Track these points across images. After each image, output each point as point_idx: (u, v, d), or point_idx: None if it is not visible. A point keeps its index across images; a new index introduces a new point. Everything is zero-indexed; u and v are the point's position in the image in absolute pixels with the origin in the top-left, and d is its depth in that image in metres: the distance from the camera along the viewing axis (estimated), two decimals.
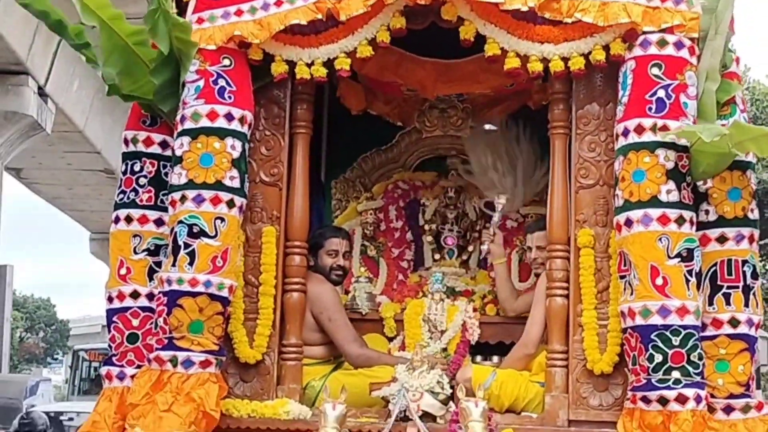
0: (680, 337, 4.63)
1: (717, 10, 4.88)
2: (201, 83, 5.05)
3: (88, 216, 26.08)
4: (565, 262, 5.14)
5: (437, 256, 6.54)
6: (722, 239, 4.88)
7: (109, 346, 5.28)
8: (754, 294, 4.89)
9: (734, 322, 4.82)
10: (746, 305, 4.85)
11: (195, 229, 4.92)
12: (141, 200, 5.27)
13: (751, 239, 4.92)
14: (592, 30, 4.95)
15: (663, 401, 4.60)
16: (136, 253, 5.24)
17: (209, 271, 4.91)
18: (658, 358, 4.62)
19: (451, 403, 4.99)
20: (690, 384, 4.61)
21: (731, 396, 4.77)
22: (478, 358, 5.90)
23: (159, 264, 5.22)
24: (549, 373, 5.10)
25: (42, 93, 15.77)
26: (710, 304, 4.85)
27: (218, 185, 4.98)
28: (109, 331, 5.27)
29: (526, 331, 5.45)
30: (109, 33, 5.02)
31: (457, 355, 5.61)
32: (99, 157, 19.21)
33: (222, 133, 5.01)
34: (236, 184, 5.02)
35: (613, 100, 5.12)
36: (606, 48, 4.97)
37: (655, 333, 4.64)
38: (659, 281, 4.66)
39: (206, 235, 4.92)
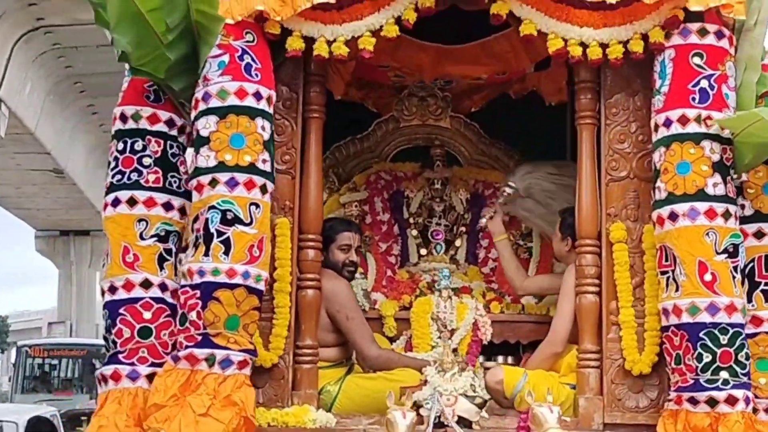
0: (728, 335, 4.49)
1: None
2: (226, 59, 4.65)
3: (35, 214, 25.86)
4: (596, 258, 4.95)
5: (423, 251, 6.25)
6: (759, 234, 4.77)
7: (112, 341, 4.74)
8: None
9: None
10: None
11: (229, 216, 4.52)
12: (147, 181, 4.80)
13: None
14: (632, 17, 4.78)
15: (712, 402, 4.45)
16: (143, 238, 4.76)
17: (247, 261, 4.52)
18: (707, 357, 4.47)
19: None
20: (738, 384, 4.48)
21: None
22: (481, 358, 5.63)
23: (169, 252, 4.79)
24: (581, 374, 4.89)
25: None
26: (749, 301, 4.71)
27: (252, 168, 4.58)
28: (114, 325, 4.72)
29: (552, 329, 5.20)
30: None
31: (470, 355, 5.37)
32: (48, 158, 18.90)
33: (252, 113, 4.62)
34: (268, 168, 4.65)
35: (642, 90, 4.98)
36: (644, 37, 4.79)
37: (703, 331, 4.48)
38: (708, 277, 4.50)
39: (241, 222, 4.53)
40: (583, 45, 4.81)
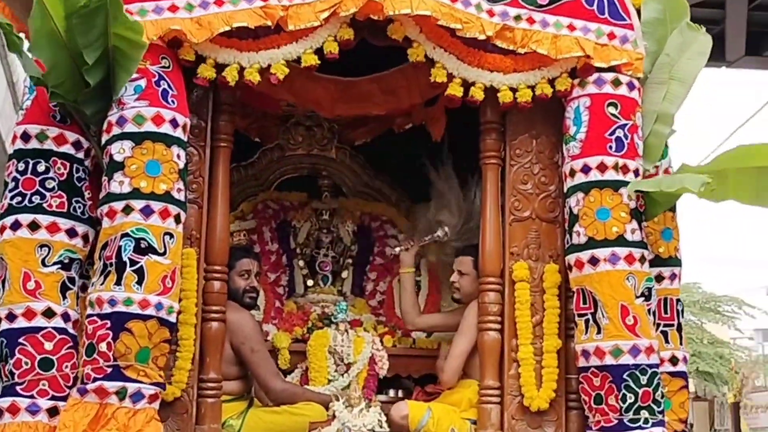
0: (647, 376, 4.64)
1: (668, 55, 4.94)
2: (143, 83, 4.51)
3: None
4: (498, 296, 5.03)
5: (310, 282, 6.19)
6: (659, 278, 4.99)
7: (9, 372, 4.47)
8: (682, 332, 5.02)
9: (674, 360, 4.96)
10: (681, 343, 4.98)
11: (143, 245, 4.38)
12: (50, 206, 4.57)
13: (679, 278, 5.06)
14: (540, 63, 4.93)
15: None
16: (45, 265, 4.53)
17: (160, 292, 4.38)
18: (630, 398, 4.61)
19: None
20: (656, 422, 4.65)
21: None
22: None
23: (72, 280, 4.58)
24: (483, 410, 4.96)
25: None
26: None
27: (167, 197, 4.46)
28: (12, 355, 4.46)
29: (448, 364, 5.24)
30: (42, 13, 4.33)
31: (367, 390, 5.34)
32: None
33: (168, 140, 4.51)
34: (182, 197, 4.54)
35: (545, 134, 5.14)
36: (551, 83, 4.93)
37: (626, 373, 4.62)
38: (629, 321, 4.65)
39: (155, 252, 4.39)
40: (493, 89, 4.91)
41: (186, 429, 4.66)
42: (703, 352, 22.87)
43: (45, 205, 4.58)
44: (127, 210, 4.41)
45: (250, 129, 6.39)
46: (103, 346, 4.33)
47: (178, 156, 4.53)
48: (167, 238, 4.43)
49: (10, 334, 4.48)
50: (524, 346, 4.93)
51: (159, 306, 4.38)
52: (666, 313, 4.98)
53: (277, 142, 6.44)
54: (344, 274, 6.29)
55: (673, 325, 4.97)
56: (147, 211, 4.42)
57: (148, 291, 4.36)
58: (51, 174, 4.61)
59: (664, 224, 5.04)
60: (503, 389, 4.95)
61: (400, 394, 5.71)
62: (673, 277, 5.02)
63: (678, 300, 5.02)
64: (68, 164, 4.64)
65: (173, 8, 4.61)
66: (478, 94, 4.91)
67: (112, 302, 4.34)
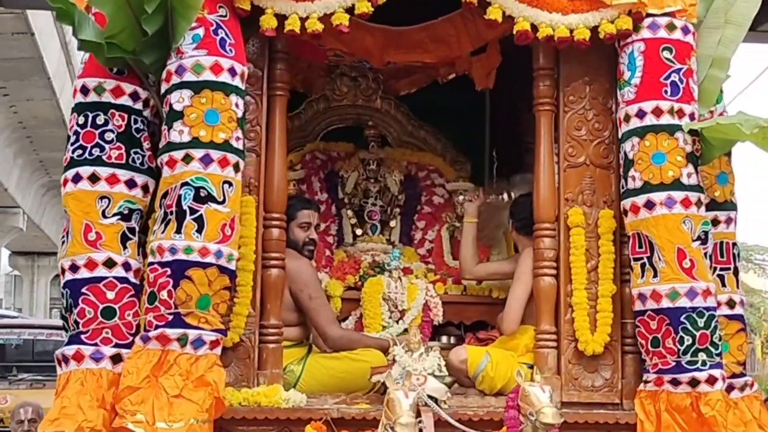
0: (704, 318, 4.67)
1: (725, 0, 4.93)
2: (201, 32, 4.54)
3: None
4: (553, 241, 5.05)
5: (359, 231, 6.23)
6: (715, 222, 4.99)
7: (74, 321, 4.55)
8: (738, 276, 5.04)
9: (731, 303, 4.98)
10: (737, 286, 5.00)
11: (202, 193, 4.42)
12: (109, 157, 4.62)
13: (735, 222, 5.07)
14: (599, 4, 4.89)
15: (694, 383, 4.64)
16: (105, 216, 4.58)
17: (219, 240, 4.43)
18: (688, 340, 4.65)
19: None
20: (714, 365, 4.68)
21: (733, 375, 4.92)
22: None
23: (132, 230, 4.64)
24: (539, 354, 5.00)
25: None
26: None
27: (226, 146, 4.50)
28: (75, 305, 4.54)
29: (507, 312, 5.27)
30: None
31: (422, 337, 5.35)
32: None
33: (227, 89, 4.53)
34: (241, 145, 4.58)
35: (599, 80, 5.13)
36: (612, 23, 4.91)
37: (684, 315, 4.66)
38: (686, 264, 4.67)
39: (215, 201, 4.43)
40: (551, 29, 4.90)
41: (248, 374, 4.72)
42: None
43: (104, 157, 4.62)
44: (187, 159, 4.45)
45: (295, 80, 6.37)
46: (164, 294, 4.40)
47: (237, 105, 4.55)
48: (226, 186, 4.47)
49: (74, 285, 4.55)
50: (578, 290, 4.96)
51: (219, 254, 4.42)
52: (722, 256, 4.99)
53: (323, 93, 6.48)
54: (392, 223, 6.33)
55: (729, 269, 4.98)
56: (206, 160, 4.46)
57: (207, 239, 4.41)
58: (110, 126, 4.65)
59: (720, 168, 5.04)
60: (559, 334, 4.98)
61: (452, 340, 5.76)
62: (729, 221, 5.03)
63: (734, 244, 5.03)
64: (126, 115, 4.67)
65: None
66: (546, 31, 4.87)
67: (173, 250, 4.40)
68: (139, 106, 4.70)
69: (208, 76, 4.51)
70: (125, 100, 4.68)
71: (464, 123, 6.79)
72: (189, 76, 4.51)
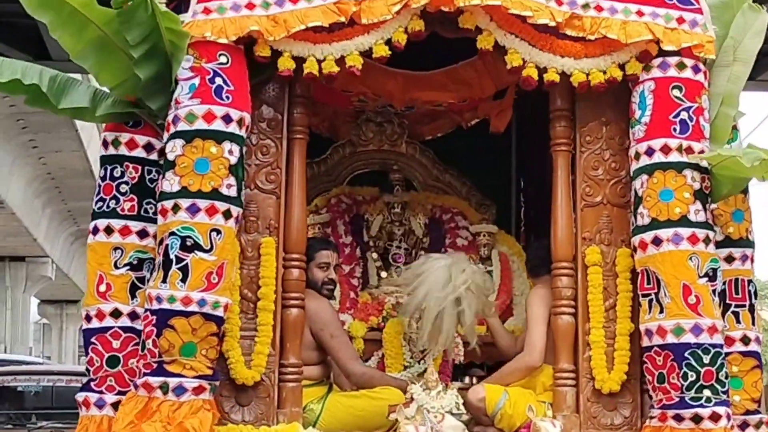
0: (710, 355, 4.68)
1: (733, 38, 4.99)
2: (197, 81, 4.64)
3: None
4: (571, 280, 5.10)
5: (383, 274, 6.31)
6: (730, 259, 5.01)
7: (87, 370, 4.79)
8: (756, 313, 5.04)
9: (746, 340, 4.97)
10: (753, 323, 5.00)
11: (189, 242, 4.52)
12: (123, 209, 4.82)
13: (752, 260, 5.08)
14: (611, 48, 4.97)
15: (697, 419, 4.64)
16: (116, 267, 4.79)
17: (203, 288, 4.52)
18: (692, 376, 4.65)
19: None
20: (720, 402, 4.67)
21: (747, 412, 4.91)
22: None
23: (142, 280, 4.80)
24: (558, 392, 5.02)
25: None
26: None
27: (215, 194, 4.59)
28: (87, 353, 4.79)
29: (528, 343, 5.26)
30: (82, 22, 4.54)
31: (443, 375, 5.44)
32: None
33: (219, 137, 4.62)
34: (233, 192, 4.64)
35: (615, 120, 5.18)
36: (621, 67, 4.99)
37: (688, 351, 4.66)
38: (692, 300, 4.70)
39: (201, 249, 4.53)
40: (564, 75, 4.98)
41: (268, 413, 4.80)
42: None
43: (118, 209, 4.82)
44: (176, 209, 4.56)
45: (321, 126, 6.56)
46: (149, 343, 4.53)
47: (230, 151, 4.63)
48: (214, 234, 4.55)
49: (87, 334, 4.80)
50: (596, 329, 4.99)
51: (202, 302, 4.50)
52: (737, 293, 4.99)
53: (349, 138, 6.60)
54: None
55: (744, 306, 4.99)
56: (193, 209, 4.55)
57: (191, 288, 4.50)
58: (125, 178, 4.84)
59: (735, 206, 5.05)
60: (578, 372, 5.01)
61: (474, 381, 5.79)
62: (744, 258, 5.03)
63: (750, 281, 5.03)
64: (140, 167, 4.84)
65: (250, 6, 4.74)
66: (553, 76, 4.96)
67: (159, 299, 4.52)
68: (153, 156, 4.84)
69: (200, 125, 4.61)
70: (139, 152, 4.85)
71: (490, 167, 6.88)
72: (182, 126, 4.62)
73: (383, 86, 5.84)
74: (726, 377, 4.71)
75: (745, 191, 5.11)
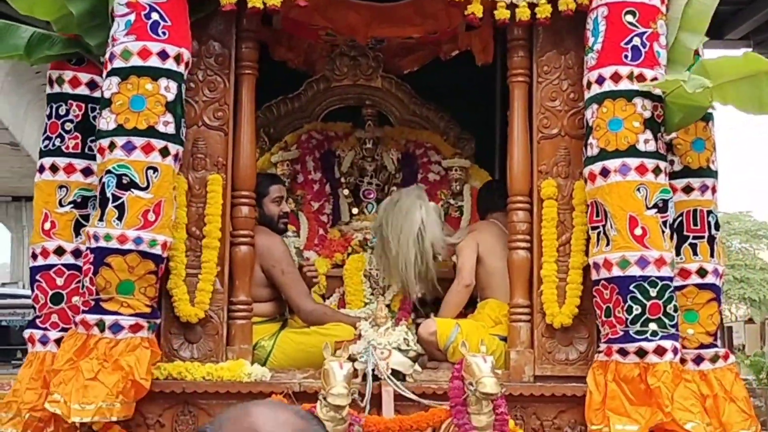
0: (657, 288, 4.56)
1: None
2: (132, 17, 4.56)
3: None
4: (527, 214, 5.00)
5: (355, 210, 6.25)
6: (688, 189, 4.87)
7: (33, 307, 4.82)
8: (717, 244, 4.90)
9: (702, 272, 4.83)
10: (711, 255, 4.86)
11: (125, 180, 4.48)
12: (67, 147, 4.81)
13: (714, 190, 4.93)
14: None
15: (641, 353, 4.53)
16: (61, 205, 4.80)
17: (140, 226, 4.48)
18: (637, 309, 4.55)
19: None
20: (666, 336, 4.56)
21: (701, 346, 4.79)
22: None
23: (86, 217, 4.79)
24: (513, 327, 4.96)
25: None
26: (677, 254, 4.80)
27: (150, 131, 4.52)
28: (33, 291, 4.81)
29: (458, 269, 5.30)
30: None
31: (403, 311, 5.39)
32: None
33: (155, 73, 4.55)
34: (171, 129, 4.57)
35: (574, 48, 5.03)
36: None
37: (633, 284, 4.56)
38: (638, 232, 4.58)
39: (137, 187, 4.48)
40: (513, 6, 4.84)
41: (217, 350, 4.80)
42: (752, 278, 23.53)
43: (63, 147, 4.81)
44: (112, 147, 4.52)
45: (297, 60, 6.46)
46: (87, 281, 4.51)
47: (167, 88, 4.55)
48: (150, 172, 4.50)
49: (32, 272, 4.82)
50: (548, 263, 4.90)
51: (138, 240, 4.47)
52: (695, 224, 4.85)
53: (323, 73, 6.48)
54: None
55: (703, 237, 4.83)
56: (128, 147, 4.50)
57: (127, 226, 4.47)
58: (69, 116, 4.82)
59: (696, 135, 4.88)
60: (532, 307, 4.93)
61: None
62: (704, 188, 4.86)
63: (710, 212, 4.88)
64: (83, 105, 4.82)
65: None
66: (502, 14, 4.85)
67: (96, 237, 4.49)
68: (97, 94, 4.79)
69: (135, 61, 4.54)
70: (82, 90, 4.83)
71: (472, 101, 6.74)
72: (118, 63, 4.56)
73: (345, 19, 5.70)
74: (675, 310, 4.59)
75: (708, 119, 4.94)
